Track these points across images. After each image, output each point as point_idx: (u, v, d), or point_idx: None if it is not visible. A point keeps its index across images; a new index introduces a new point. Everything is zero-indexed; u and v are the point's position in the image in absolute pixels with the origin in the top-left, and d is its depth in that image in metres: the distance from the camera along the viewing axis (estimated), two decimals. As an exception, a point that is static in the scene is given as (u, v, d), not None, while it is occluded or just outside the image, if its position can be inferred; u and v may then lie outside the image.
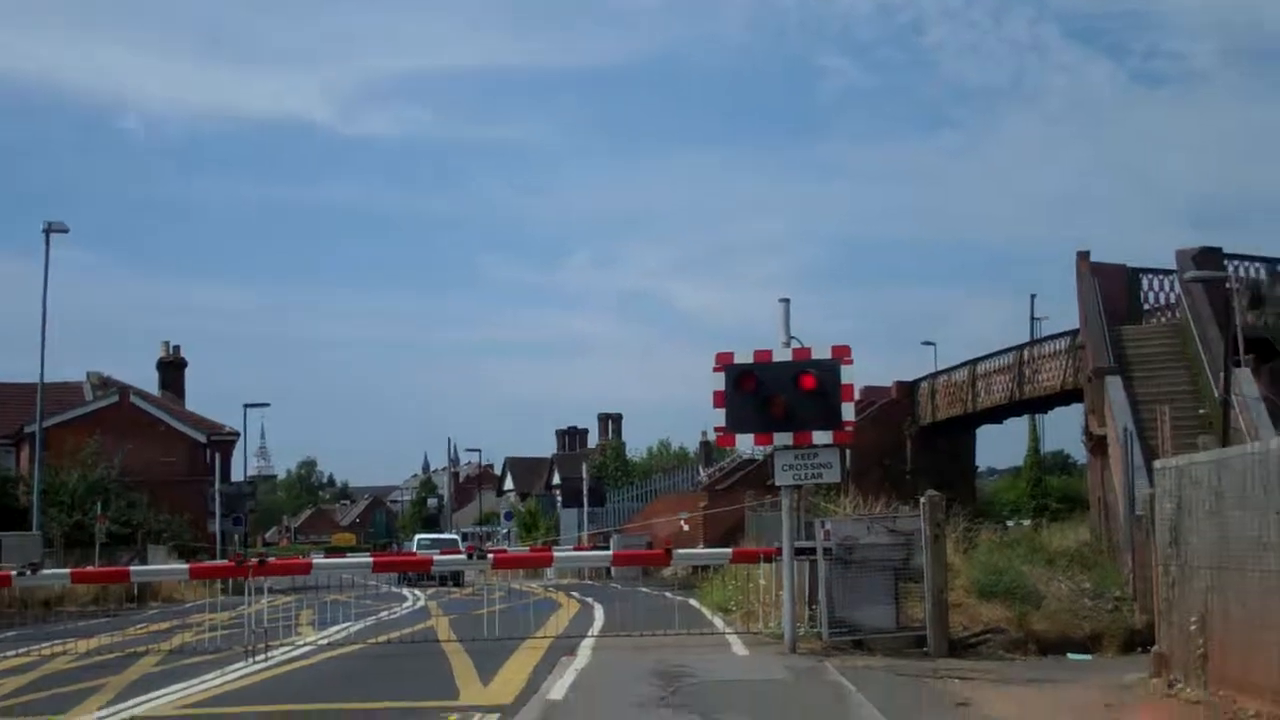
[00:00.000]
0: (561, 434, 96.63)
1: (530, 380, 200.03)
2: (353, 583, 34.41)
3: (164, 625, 26.48)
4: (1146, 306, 36.07)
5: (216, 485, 54.61)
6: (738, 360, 17.05)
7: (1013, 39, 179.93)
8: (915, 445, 53.15)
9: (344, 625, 23.37)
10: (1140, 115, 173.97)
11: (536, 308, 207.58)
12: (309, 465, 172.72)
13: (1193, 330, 31.08)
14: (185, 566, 24.17)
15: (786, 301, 17.97)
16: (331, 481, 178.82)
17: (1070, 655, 18.29)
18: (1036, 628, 18.81)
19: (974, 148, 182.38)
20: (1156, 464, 15.03)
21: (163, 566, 34.00)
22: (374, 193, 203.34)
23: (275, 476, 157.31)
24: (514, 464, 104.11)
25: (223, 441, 60.42)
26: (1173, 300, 35.01)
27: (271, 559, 22.75)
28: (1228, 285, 28.23)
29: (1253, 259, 34.80)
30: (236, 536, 55.95)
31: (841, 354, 16.94)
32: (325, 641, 20.61)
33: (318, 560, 24.93)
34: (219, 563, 31.15)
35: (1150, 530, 15.30)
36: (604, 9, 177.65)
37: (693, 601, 28.17)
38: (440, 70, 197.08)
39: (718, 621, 23.18)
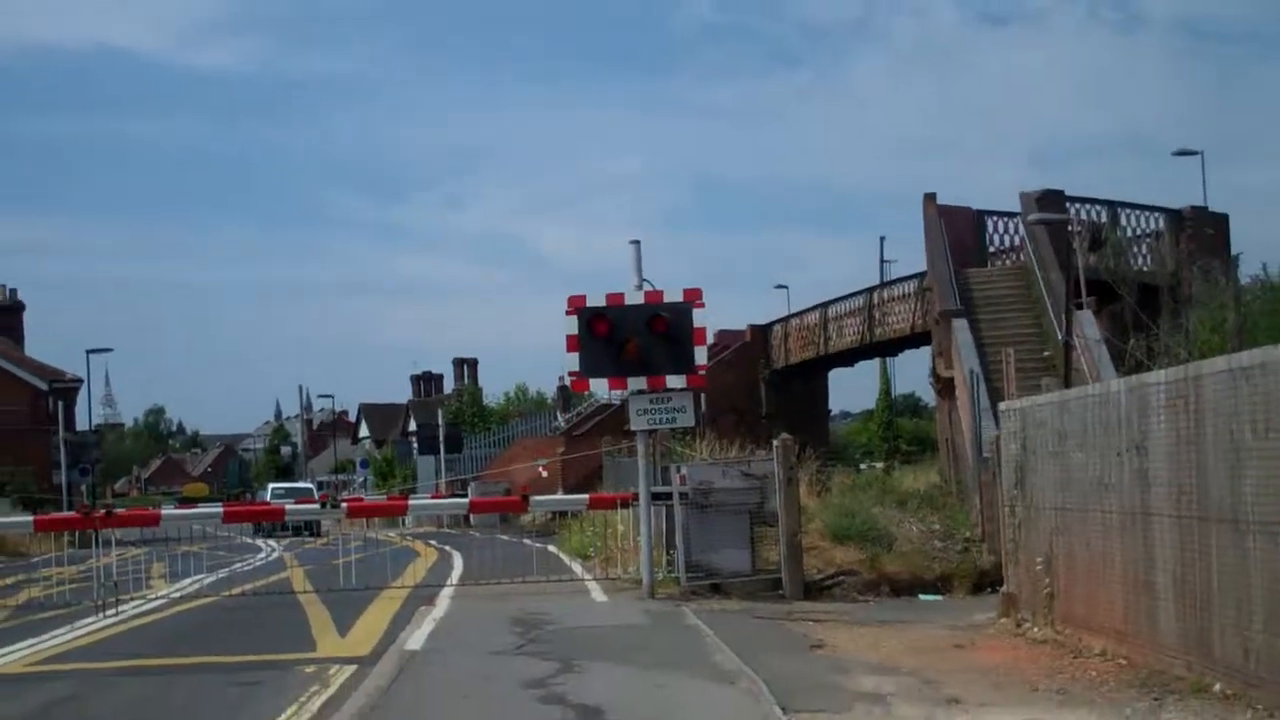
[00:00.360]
0: (416, 379, 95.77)
1: (384, 324, 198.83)
2: (204, 534, 33.91)
3: (9, 580, 25.90)
4: (992, 249, 36.60)
5: (60, 434, 53.40)
6: (590, 303, 16.99)
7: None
8: (769, 388, 53.63)
9: (197, 578, 23.05)
10: (986, 55, 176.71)
11: (388, 249, 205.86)
12: (157, 413, 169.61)
13: (1036, 273, 31.64)
14: (30, 519, 23.57)
15: (637, 244, 17.96)
16: (181, 429, 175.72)
17: (922, 596, 18.69)
18: (889, 569, 19.17)
19: (823, 86, 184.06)
20: (1001, 406, 15.34)
21: (6, 519, 33.11)
22: (216, 128, 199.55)
23: (123, 425, 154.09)
24: (369, 411, 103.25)
25: (65, 389, 59.07)
26: (1017, 243, 35.59)
27: (120, 510, 22.28)
28: (1069, 228, 28.77)
29: (1094, 201, 35.53)
30: (84, 487, 54.80)
31: (693, 297, 16.97)
32: (178, 594, 20.32)
33: (167, 511, 24.50)
34: (65, 514, 30.47)
35: (997, 472, 15.64)
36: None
37: (551, 548, 28.23)
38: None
39: (576, 568, 23.27)
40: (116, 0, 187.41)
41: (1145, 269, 34.85)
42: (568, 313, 17.00)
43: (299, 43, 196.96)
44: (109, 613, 17.46)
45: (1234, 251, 34.40)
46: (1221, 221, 36.48)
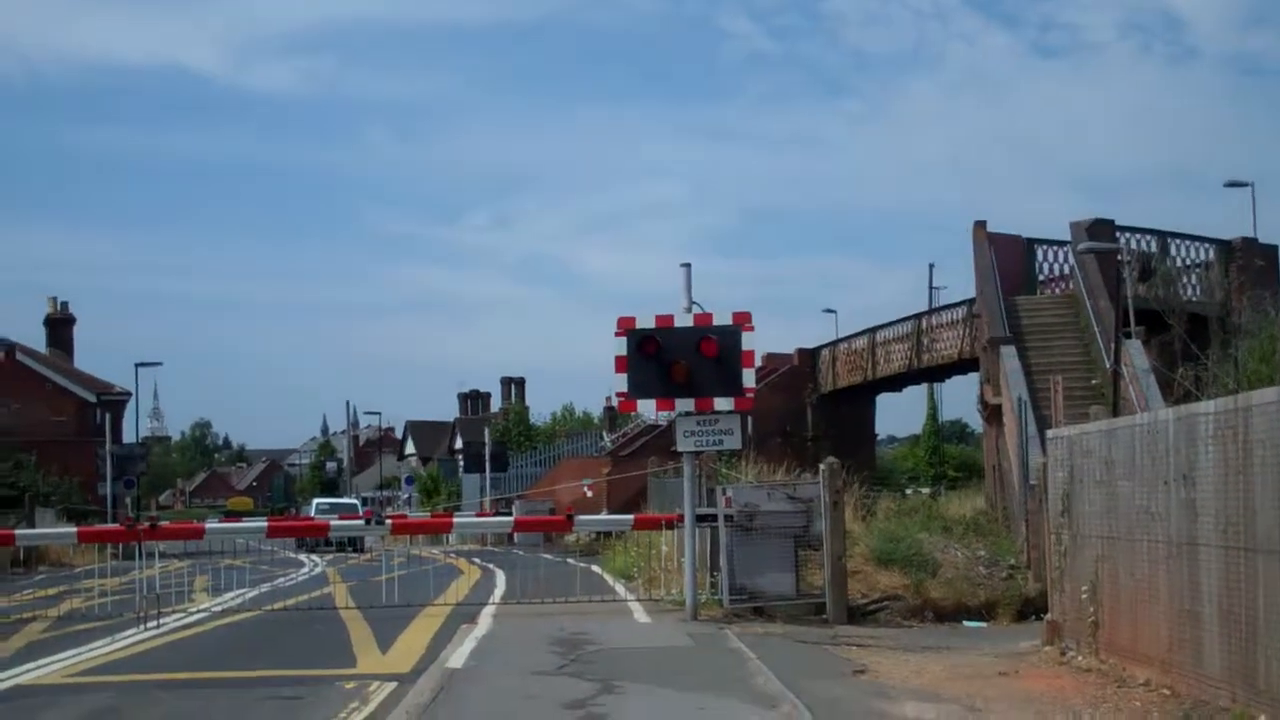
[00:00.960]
0: (464, 398, 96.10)
1: (432, 342, 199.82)
2: (248, 548, 34.11)
3: (52, 591, 26.08)
4: (1041, 277, 36.54)
5: (108, 446, 53.75)
6: (639, 325, 17.00)
7: (914, 6, 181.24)
8: (816, 412, 53.58)
9: (239, 591, 23.17)
10: (1037, 87, 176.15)
11: (437, 268, 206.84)
12: (204, 427, 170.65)
13: (1085, 301, 31.55)
14: (74, 530, 23.76)
15: (688, 266, 17.97)
16: (228, 443, 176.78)
17: (966, 622, 18.58)
18: (933, 595, 19.07)
19: (875, 115, 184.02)
20: (1049, 433, 15.26)
21: (50, 530, 33.35)
22: (274, 146, 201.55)
23: (169, 438, 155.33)
24: (415, 428, 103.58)
25: (114, 401, 59.51)
26: (1066, 271, 35.49)
27: (164, 523, 22.44)
28: (1119, 257, 28.64)
29: (1144, 231, 35.40)
30: (128, 500, 55.11)
31: (742, 320, 16.96)
32: (220, 608, 20.42)
33: (210, 525, 24.65)
34: (109, 526, 30.70)
35: (1043, 499, 15.55)
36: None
37: (595, 568, 28.24)
38: (342, 20, 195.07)
39: (619, 588, 23.25)
40: (182, 17, 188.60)
41: (1194, 299, 34.65)
42: (617, 334, 17.02)
43: (356, 65, 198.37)
44: (150, 625, 17.55)
45: (1284, 283, 34.13)
46: (1271, 253, 36.24)
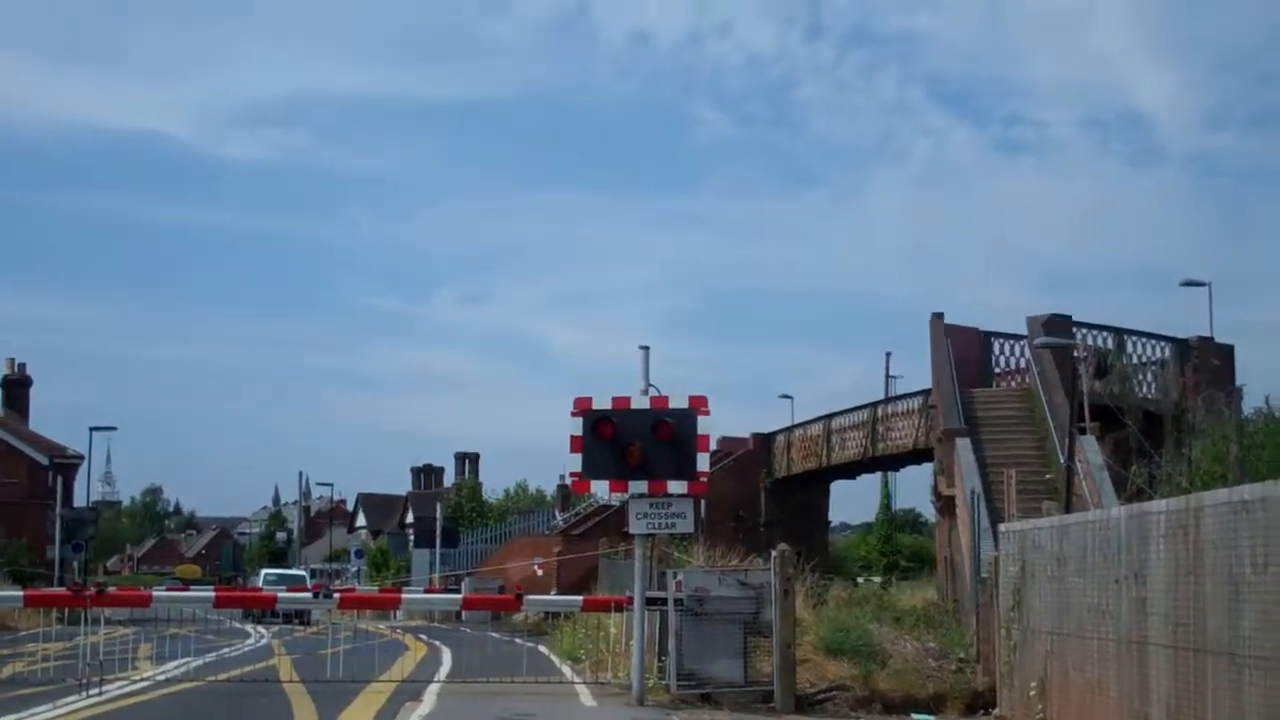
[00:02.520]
0: (417, 471, 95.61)
1: (388, 414, 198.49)
2: (195, 616, 33.67)
3: (-6, 655, 25.66)
4: (997, 370, 36.77)
5: (58, 510, 53.14)
6: (596, 406, 17.00)
7: (881, 100, 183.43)
8: (770, 498, 53.54)
9: (183, 660, 22.84)
10: (1000, 182, 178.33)
11: (399, 341, 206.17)
12: (154, 492, 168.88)
13: (1041, 396, 31.72)
14: (20, 593, 23.41)
15: (646, 349, 18.02)
16: (178, 510, 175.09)
17: (914, 715, 18.46)
18: (882, 686, 18.96)
19: (839, 206, 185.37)
20: (1001, 527, 15.30)
21: (-4, 593, 32.89)
22: (237, 215, 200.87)
23: (120, 503, 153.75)
24: (367, 500, 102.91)
25: (66, 465, 58.96)
26: (1023, 365, 35.73)
27: (111, 589, 22.15)
28: (1075, 353, 28.86)
29: (1101, 328, 35.71)
30: (76, 564, 54.36)
31: (698, 404, 16.99)
32: (163, 677, 20.10)
33: (158, 592, 24.34)
34: (55, 590, 30.27)
35: (994, 593, 15.55)
36: (480, 44, 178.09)
37: (542, 648, 28.01)
38: (313, 95, 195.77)
39: (566, 670, 23.06)
40: (156, 85, 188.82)
41: (1150, 397, 34.92)
42: (573, 414, 17.00)
43: (328, 138, 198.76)
44: (93, 692, 17.27)
45: (1239, 383, 34.44)
46: (1227, 353, 36.58)
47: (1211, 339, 37.04)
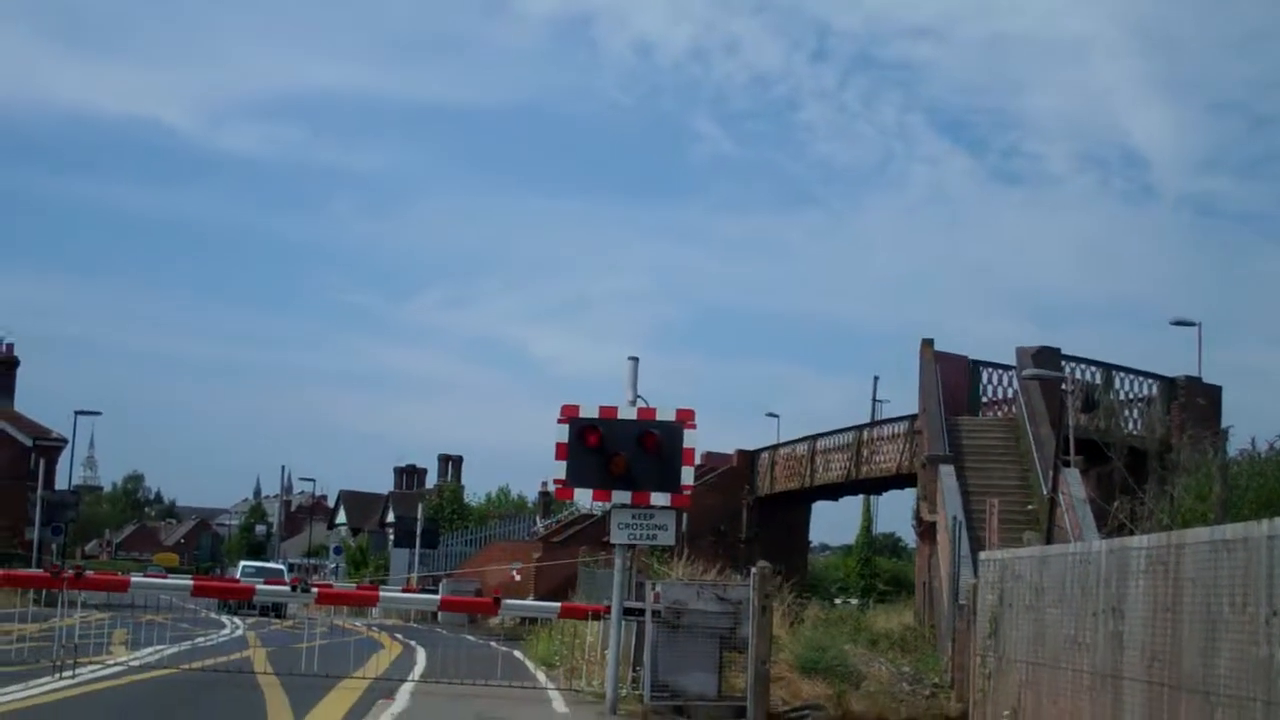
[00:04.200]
0: (400, 471, 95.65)
1: (373, 414, 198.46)
2: (171, 604, 33.59)
3: (-32, 633, 25.59)
4: (984, 399, 36.84)
5: (39, 492, 53.04)
6: (583, 414, 16.99)
7: (881, 125, 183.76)
8: (752, 514, 53.58)
9: (158, 647, 22.81)
10: (995, 212, 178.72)
11: (383, 341, 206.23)
12: (136, 479, 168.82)
13: (1026, 427, 31.79)
14: (-3, 573, 23.33)
15: (635, 360, 18.02)
16: (159, 498, 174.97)
17: (885, 737, 18.52)
18: (854, 708, 18.98)
19: (835, 228, 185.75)
20: (981, 555, 15.33)
21: (-28, 573, 32.77)
22: (229, 207, 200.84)
23: (101, 488, 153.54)
24: (348, 498, 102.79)
25: (49, 447, 58.92)
26: (1010, 395, 35.80)
27: (89, 573, 22.10)
28: (1063, 386, 28.95)
29: (1089, 362, 35.83)
30: (55, 546, 54.30)
31: (685, 417, 17.01)
32: (137, 663, 20.08)
33: (136, 578, 24.29)
34: (33, 572, 30.17)
35: (971, 620, 15.58)
36: (480, 47, 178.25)
37: (517, 653, 27.99)
38: (310, 91, 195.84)
39: (540, 676, 23.06)
40: (152, 72, 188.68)
41: (1135, 433, 35.01)
42: (559, 421, 17.00)
43: (325, 134, 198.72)
44: (65, 675, 17.23)
45: (1225, 423, 34.52)
46: (1214, 392, 36.70)
47: (1199, 379, 37.16)
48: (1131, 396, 36.34)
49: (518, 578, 49.51)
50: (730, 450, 55.73)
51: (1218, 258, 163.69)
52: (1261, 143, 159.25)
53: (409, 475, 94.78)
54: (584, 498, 18.12)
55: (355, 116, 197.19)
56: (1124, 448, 31.37)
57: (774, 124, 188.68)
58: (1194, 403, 35.41)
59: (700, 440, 17.92)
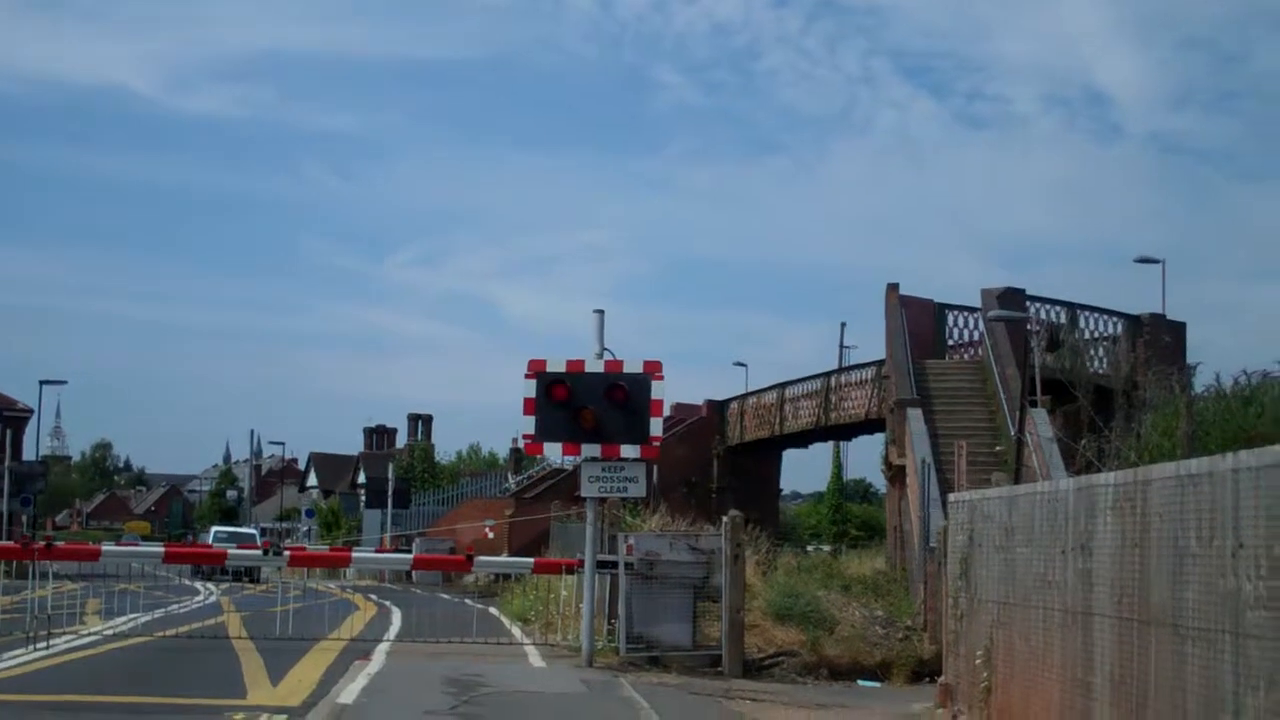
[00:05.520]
0: (370, 432, 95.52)
1: (341, 375, 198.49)
2: (143, 572, 33.56)
3: (-60, 607, 25.51)
4: (951, 342, 36.95)
5: (6, 463, 52.76)
6: (550, 369, 17.00)
7: (845, 71, 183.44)
8: (722, 464, 53.72)
9: (132, 616, 22.79)
10: (961, 156, 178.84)
11: (353, 301, 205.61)
12: (104, 448, 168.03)
13: (993, 368, 31.89)
14: (-34, 547, 23.25)
15: (601, 313, 18.01)
16: (128, 466, 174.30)
17: (861, 682, 18.64)
18: (829, 653, 19.12)
19: (800, 174, 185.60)
20: (951, 497, 15.36)
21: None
22: (195, 171, 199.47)
23: (69, 458, 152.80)
24: (319, 460, 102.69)
25: (15, 418, 58.60)
26: (976, 338, 35.91)
27: (60, 543, 22.03)
28: (1028, 326, 29.06)
29: (1054, 302, 35.95)
30: (24, 518, 54.08)
31: (653, 369, 17.02)
32: (111, 632, 20.08)
33: (107, 547, 24.22)
34: (3, 544, 30.05)
35: (942, 562, 15.65)
36: (443, 4, 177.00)
37: (493, 610, 28.06)
38: (278, 52, 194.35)
39: (516, 631, 23.13)
40: (121, 39, 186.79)
41: (1101, 371, 35.19)
42: (527, 376, 16.99)
43: (294, 96, 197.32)
44: (40, 646, 17.21)
45: (1190, 360, 34.73)
46: (1179, 329, 36.92)
47: (1164, 316, 37.34)
48: (1097, 335, 36.50)
49: (491, 535, 49.55)
50: (700, 401, 55.84)
51: (1184, 195, 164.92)
52: (1229, 79, 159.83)
53: (379, 436, 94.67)
54: (554, 452, 18.18)
55: (321, 77, 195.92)
56: (1090, 386, 31.59)
57: (736, 73, 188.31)
58: (1159, 340, 35.60)
59: (669, 392, 17.98)
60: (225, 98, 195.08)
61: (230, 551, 25.63)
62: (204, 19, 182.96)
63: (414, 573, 45.30)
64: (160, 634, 20.13)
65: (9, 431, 55.64)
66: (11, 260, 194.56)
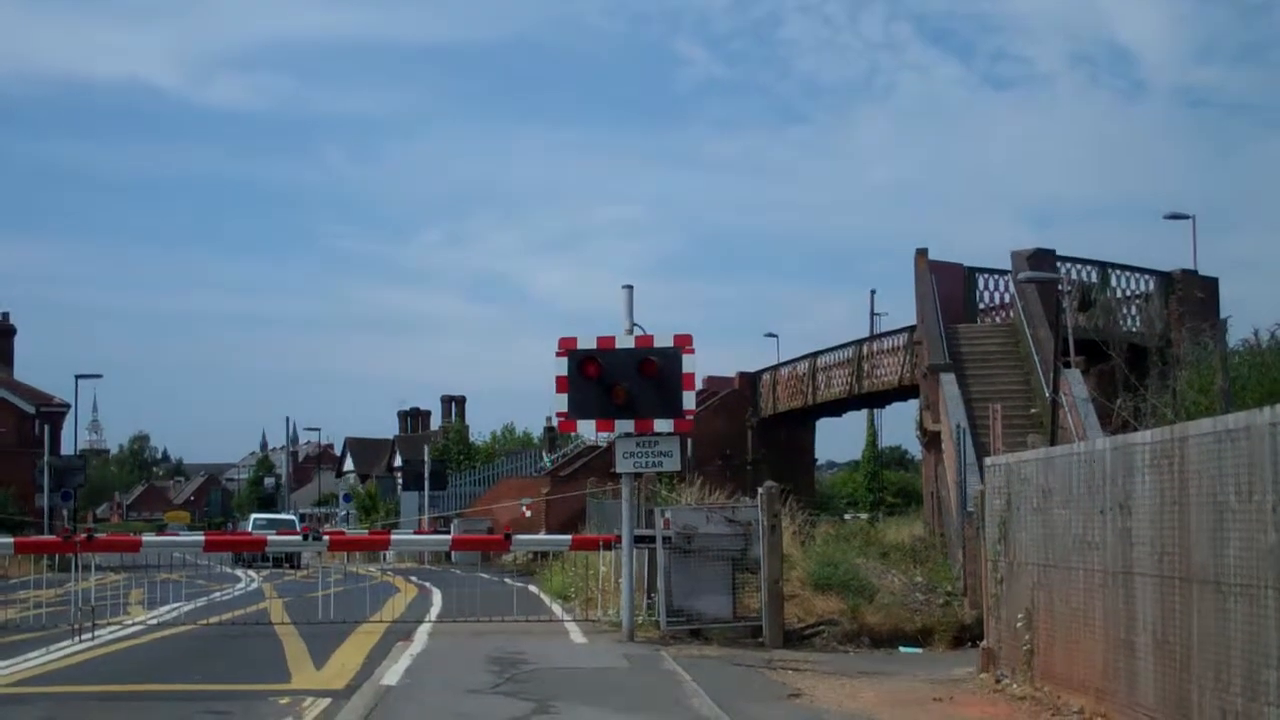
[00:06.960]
0: (404, 415, 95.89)
1: (374, 359, 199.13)
2: (184, 562, 33.77)
3: (-14, 602, 25.73)
4: (982, 305, 36.80)
5: (46, 458, 53.13)
6: (581, 346, 17.02)
7: (867, 37, 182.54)
8: (756, 436, 53.68)
9: (175, 605, 22.94)
10: (986, 117, 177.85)
11: (384, 285, 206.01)
12: (142, 440, 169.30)
13: (1025, 330, 31.75)
14: (10, 540, 23.45)
15: (630, 288, 17.99)
16: (166, 457, 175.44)
17: (902, 648, 18.61)
18: (869, 620, 19.09)
19: (826, 143, 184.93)
20: (987, 461, 15.32)
21: (-14, 542, 32.89)
22: (219, 161, 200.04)
23: (108, 451, 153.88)
24: (354, 445, 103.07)
25: (53, 413, 58.99)
26: (1007, 300, 35.76)
27: (100, 535, 22.20)
28: (1060, 287, 28.89)
29: (1084, 262, 35.73)
30: (65, 511, 54.50)
31: (683, 343, 17.01)
32: (155, 621, 20.22)
33: (147, 538, 24.39)
34: (46, 538, 30.32)
35: (980, 526, 15.62)
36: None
37: (532, 588, 28.14)
38: (296, 38, 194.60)
39: (556, 608, 23.19)
40: (141, 31, 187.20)
41: (1134, 330, 35.01)
42: (558, 354, 17.01)
43: (314, 82, 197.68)
44: (85, 637, 17.36)
45: (1223, 315, 34.49)
46: (1211, 285, 36.65)
47: (1195, 272, 37.10)
48: (1129, 293, 36.29)
49: (528, 514, 49.67)
50: (731, 374, 55.79)
51: (1212, 149, 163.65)
52: (1254, 31, 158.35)
53: (413, 418, 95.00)
54: (587, 429, 18.20)
55: (342, 61, 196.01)
56: (1123, 345, 31.36)
57: (758, 43, 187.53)
58: (1191, 296, 35.38)
59: (700, 365, 17.96)
60: (244, 87, 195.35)
61: (270, 538, 25.72)
62: (217, 7, 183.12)
63: (453, 553, 45.42)
64: (203, 622, 20.27)
65: (47, 427, 56.01)
66: (44, 256, 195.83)
